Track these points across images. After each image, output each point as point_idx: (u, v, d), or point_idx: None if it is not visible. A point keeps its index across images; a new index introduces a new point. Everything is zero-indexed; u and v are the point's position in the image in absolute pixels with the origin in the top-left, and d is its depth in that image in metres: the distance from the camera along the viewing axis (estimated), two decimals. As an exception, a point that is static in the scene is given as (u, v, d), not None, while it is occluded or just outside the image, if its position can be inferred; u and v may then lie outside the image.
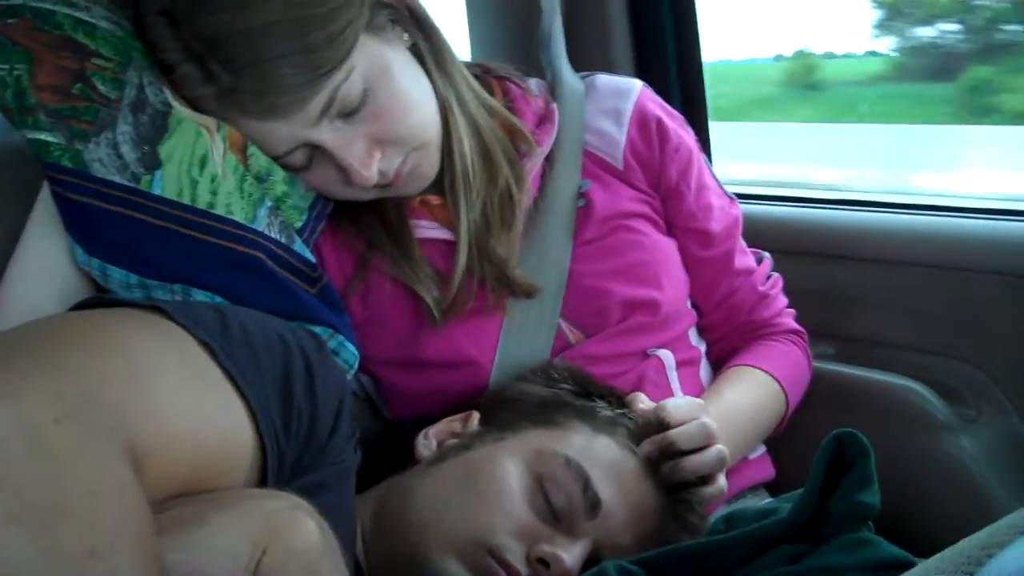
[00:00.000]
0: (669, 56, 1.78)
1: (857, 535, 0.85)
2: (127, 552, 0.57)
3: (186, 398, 0.72)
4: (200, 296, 1.05)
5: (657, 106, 1.32)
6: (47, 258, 1.05)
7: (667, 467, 1.03)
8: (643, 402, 1.11)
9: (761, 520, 0.90)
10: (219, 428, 0.75)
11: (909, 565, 0.83)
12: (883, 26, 2.41)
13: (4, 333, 0.73)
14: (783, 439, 1.35)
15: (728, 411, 1.24)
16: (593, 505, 0.98)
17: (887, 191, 1.86)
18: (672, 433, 1.04)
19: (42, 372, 0.63)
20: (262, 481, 0.77)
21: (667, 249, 1.30)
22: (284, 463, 0.79)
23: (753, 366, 1.32)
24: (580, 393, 1.12)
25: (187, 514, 0.68)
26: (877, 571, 0.82)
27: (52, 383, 0.62)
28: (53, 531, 0.54)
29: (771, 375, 1.31)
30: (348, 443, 0.89)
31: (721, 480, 1.07)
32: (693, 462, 1.03)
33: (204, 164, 1.04)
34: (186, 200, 1.04)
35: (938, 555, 0.67)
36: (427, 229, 1.21)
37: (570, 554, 0.94)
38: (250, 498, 0.72)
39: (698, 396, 1.28)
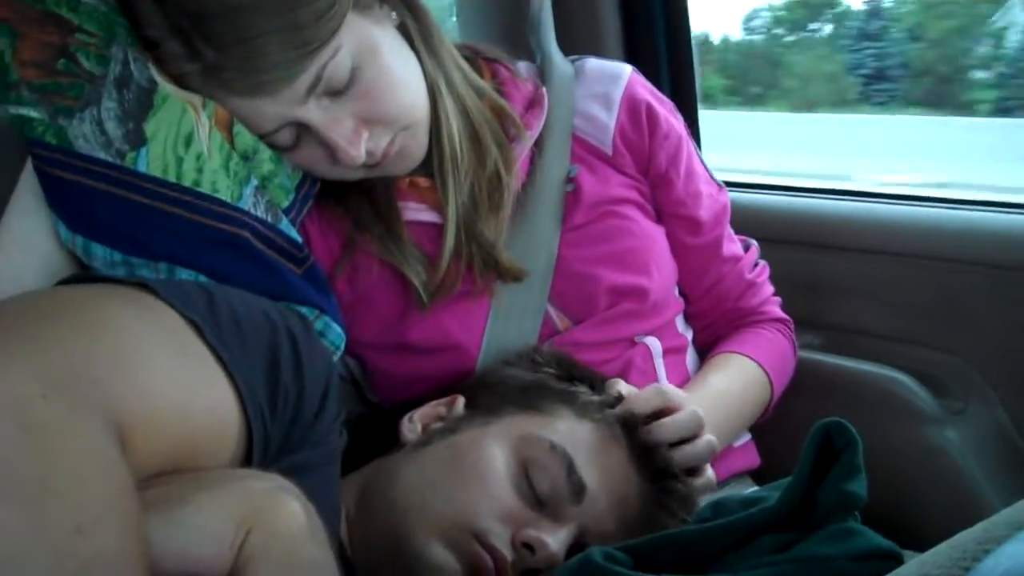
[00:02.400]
0: (659, 41, 1.78)
1: (844, 525, 0.85)
2: (113, 529, 0.56)
3: (172, 376, 0.71)
4: (185, 274, 1.04)
5: (647, 92, 1.32)
6: (30, 235, 1.04)
7: (658, 458, 1.03)
8: (622, 386, 1.11)
9: (748, 508, 0.89)
10: (205, 406, 0.74)
11: (896, 555, 0.83)
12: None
13: None
14: (768, 427, 1.35)
15: (714, 398, 1.24)
16: (578, 490, 0.97)
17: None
18: (665, 421, 1.04)
19: (28, 347, 0.62)
20: (247, 461, 0.77)
21: (656, 236, 1.29)
22: (270, 443, 0.78)
23: (739, 353, 1.32)
24: (563, 377, 1.12)
25: (172, 493, 0.67)
26: (864, 560, 0.81)
27: (38, 358, 0.61)
28: (39, 507, 0.54)
29: (757, 362, 1.31)
30: (334, 425, 0.89)
31: (709, 472, 1.07)
32: (684, 453, 1.04)
33: (189, 142, 1.03)
34: (171, 178, 1.03)
35: (933, 549, 0.66)
36: (415, 211, 1.20)
37: (555, 539, 0.94)
38: (235, 478, 0.72)
39: (684, 383, 1.28)
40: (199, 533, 0.65)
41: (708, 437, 1.06)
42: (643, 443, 1.03)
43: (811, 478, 0.85)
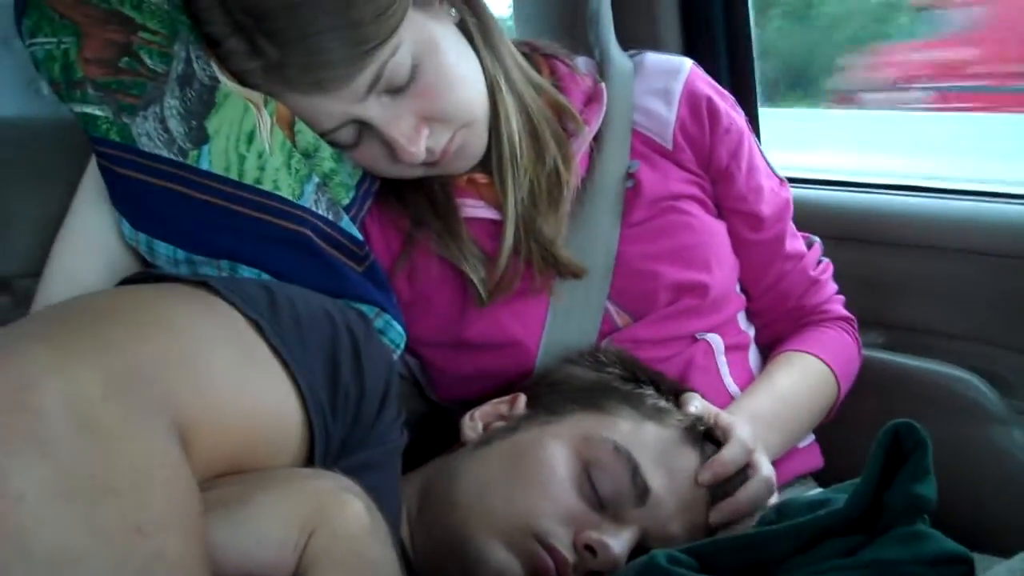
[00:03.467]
0: (718, 35, 1.76)
1: (913, 528, 0.83)
2: (174, 531, 0.56)
3: (234, 376, 0.71)
4: (247, 272, 1.04)
5: (707, 85, 1.30)
6: (94, 233, 1.05)
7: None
8: (695, 405, 1.08)
9: (814, 511, 0.88)
10: (267, 406, 0.74)
11: (967, 559, 0.81)
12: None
13: (51, 308, 0.72)
14: (831, 428, 1.33)
15: (781, 401, 1.23)
16: (642, 493, 0.96)
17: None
18: (743, 498, 1.02)
19: (89, 348, 0.62)
20: (309, 460, 0.77)
21: (717, 231, 1.28)
22: (331, 443, 0.78)
23: (805, 352, 1.30)
24: (628, 378, 1.10)
25: (234, 493, 0.67)
26: (935, 566, 0.79)
27: (99, 359, 0.61)
28: (100, 508, 0.54)
29: (823, 362, 1.29)
30: (395, 423, 0.88)
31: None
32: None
33: (251, 139, 1.03)
34: (233, 176, 1.03)
35: (1021, 555, 0.64)
36: (474, 208, 1.20)
37: (618, 541, 0.93)
38: (297, 478, 0.72)
39: (748, 382, 1.27)
40: (262, 535, 0.65)
41: (775, 500, 1.05)
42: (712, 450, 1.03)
43: (879, 480, 0.84)
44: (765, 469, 1.04)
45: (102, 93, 1.00)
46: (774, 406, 1.20)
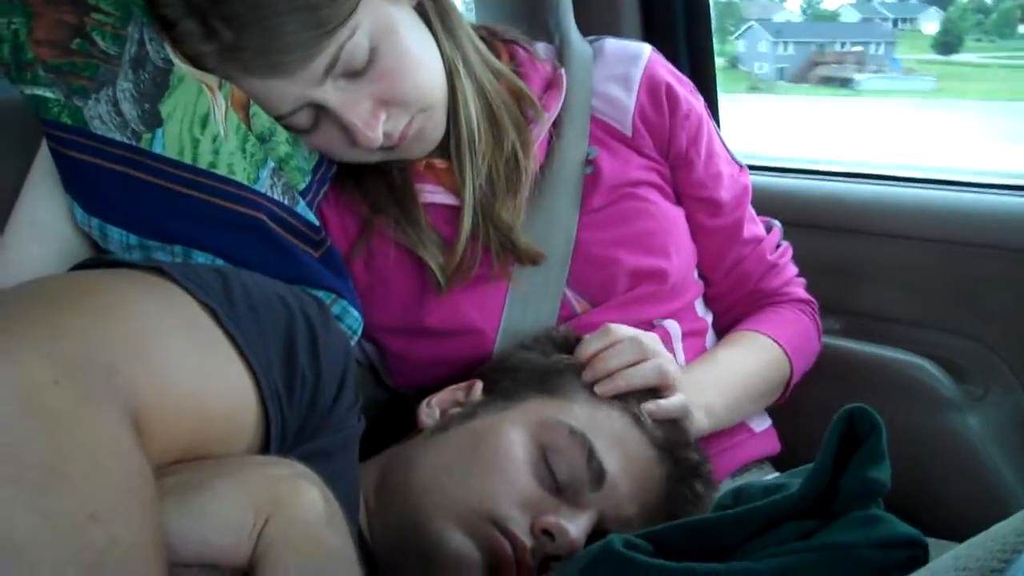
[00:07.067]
0: (678, 21, 1.76)
1: (867, 512, 0.84)
2: (127, 518, 0.56)
3: (188, 362, 0.71)
4: (200, 258, 1.03)
5: (667, 72, 1.30)
6: (45, 217, 1.03)
7: (678, 431, 1.04)
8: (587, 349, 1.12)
9: (769, 495, 0.88)
10: (222, 393, 0.73)
11: (920, 543, 0.82)
12: None
13: (2, 293, 0.71)
14: (788, 414, 1.34)
15: (718, 366, 1.24)
16: (598, 475, 0.96)
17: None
18: (605, 352, 1.07)
19: (41, 333, 0.61)
20: (265, 447, 0.76)
21: (675, 218, 1.28)
22: (287, 429, 0.77)
23: (754, 330, 1.31)
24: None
25: (189, 480, 0.66)
26: (888, 549, 0.80)
27: (51, 344, 0.60)
28: (52, 495, 0.53)
29: (772, 339, 1.30)
30: (352, 410, 0.88)
31: (678, 396, 1.08)
32: (628, 375, 1.05)
33: (206, 123, 1.02)
34: (187, 160, 1.02)
35: (969, 541, 0.65)
36: (432, 194, 1.19)
37: (575, 525, 0.93)
38: (253, 465, 0.71)
39: None
40: (217, 521, 0.65)
41: (655, 361, 1.07)
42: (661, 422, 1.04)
43: (834, 464, 0.84)
44: (625, 337, 1.10)
45: (53, 75, 0.98)
46: (712, 371, 1.22)
